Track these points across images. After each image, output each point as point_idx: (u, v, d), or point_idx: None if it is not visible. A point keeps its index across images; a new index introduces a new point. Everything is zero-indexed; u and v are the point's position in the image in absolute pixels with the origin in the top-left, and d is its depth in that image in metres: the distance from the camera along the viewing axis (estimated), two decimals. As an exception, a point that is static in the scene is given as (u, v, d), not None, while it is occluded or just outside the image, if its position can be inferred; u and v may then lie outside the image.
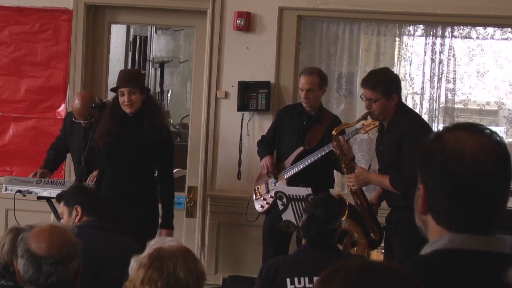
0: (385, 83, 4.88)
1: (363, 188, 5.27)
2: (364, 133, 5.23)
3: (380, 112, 4.87)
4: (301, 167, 5.78)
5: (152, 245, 2.79)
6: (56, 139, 6.25)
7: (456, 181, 1.74)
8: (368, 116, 5.07)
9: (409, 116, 4.97)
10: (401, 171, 4.79)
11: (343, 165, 5.21)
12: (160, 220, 5.46)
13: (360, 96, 5.09)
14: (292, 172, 5.83)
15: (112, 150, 5.27)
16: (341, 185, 6.66)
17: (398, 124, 4.86)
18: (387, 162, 4.95)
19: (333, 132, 5.21)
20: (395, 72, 5.37)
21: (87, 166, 5.57)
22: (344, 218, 5.15)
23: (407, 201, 4.66)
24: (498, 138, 1.77)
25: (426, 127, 5.05)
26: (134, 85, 5.36)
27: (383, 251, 5.20)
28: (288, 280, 3.84)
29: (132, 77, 5.45)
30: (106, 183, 5.28)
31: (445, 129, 1.80)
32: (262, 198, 6.05)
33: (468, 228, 1.76)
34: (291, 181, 5.81)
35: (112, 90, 5.55)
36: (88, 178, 5.65)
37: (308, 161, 5.73)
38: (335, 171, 5.96)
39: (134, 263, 2.71)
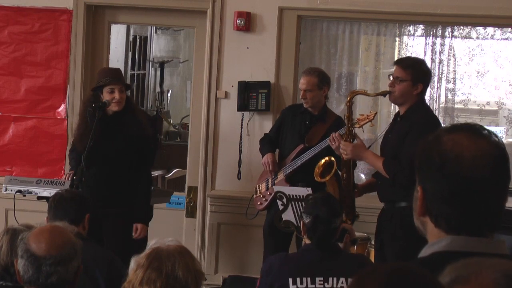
0: (418, 68, 4.89)
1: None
2: (359, 127, 5.19)
3: (401, 94, 4.84)
4: (299, 164, 5.77)
5: (152, 245, 2.79)
6: None
7: (455, 184, 1.73)
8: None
9: (425, 111, 4.94)
10: (398, 156, 4.76)
11: (346, 132, 5.09)
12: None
13: (388, 75, 5.11)
14: (290, 169, 5.84)
15: (95, 150, 5.27)
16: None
17: (414, 115, 4.83)
18: (390, 148, 4.89)
19: (348, 98, 5.16)
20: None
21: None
22: (329, 177, 5.16)
23: (394, 187, 4.69)
24: (497, 139, 1.76)
25: (437, 124, 5.01)
26: (124, 83, 5.51)
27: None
28: (290, 280, 3.85)
29: (120, 75, 5.57)
30: (90, 183, 5.27)
31: (443, 130, 1.79)
32: (261, 196, 6.06)
33: (467, 230, 1.75)
34: (291, 179, 5.82)
35: (96, 88, 5.46)
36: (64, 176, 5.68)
37: (305, 157, 5.73)
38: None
39: (132, 264, 2.72)
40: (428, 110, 5.02)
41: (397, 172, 4.69)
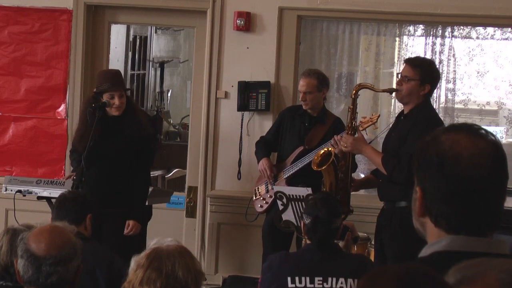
0: (427, 69, 4.88)
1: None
2: (362, 130, 5.20)
3: (407, 93, 4.83)
4: (300, 167, 5.77)
5: (152, 245, 2.79)
6: None
7: (453, 184, 1.73)
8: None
9: (429, 111, 4.94)
10: (398, 153, 4.76)
11: (349, 125, 5.09)
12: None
13: (397, 73, 5.10)
14: (291, 172, 5.83)
15: (95, 150, 5.27)
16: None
17: (417, 114, 4.82)
18: (392, 147, 4.89)
19: (353, 90, 5.14)
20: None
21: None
22: (325, 167, 5.14)
23: (394, 186, 4.70)
24: (494, 138, 1.76)
25: (439, 125, 5.00)
26: (123, 88, 5.51)
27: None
28: (289, 278, 3.85)
29: (119, 79, 5.55)
30: (90, 183, 5.28)
31: (440, 130, 1.80)
32: (261, 198, 6.05)
33: (467, 230, 1.76)
34: (290, 181, 5.81)
35: (98, 92, 5.46)
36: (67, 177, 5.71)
37: (306, 160, 5.73)
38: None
39: (132, 264, 2.72)
40: (431, 110, 5.01)
41: (395, 168, 4.69)
